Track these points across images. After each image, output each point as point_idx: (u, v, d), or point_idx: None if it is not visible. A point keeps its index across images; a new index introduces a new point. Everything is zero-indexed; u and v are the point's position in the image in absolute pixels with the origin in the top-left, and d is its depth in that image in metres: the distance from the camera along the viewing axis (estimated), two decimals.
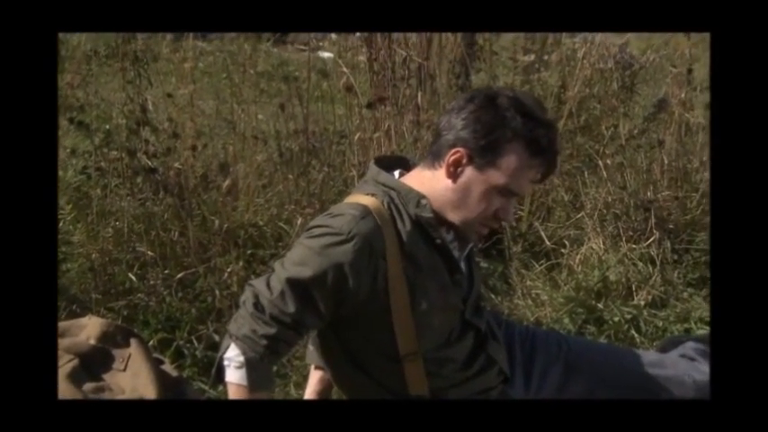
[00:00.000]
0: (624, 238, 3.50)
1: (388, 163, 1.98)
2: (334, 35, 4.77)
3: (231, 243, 3.13)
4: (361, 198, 1.86)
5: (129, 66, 3.39)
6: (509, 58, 4.40)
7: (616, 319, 3.14)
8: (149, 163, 3.35)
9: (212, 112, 4.01)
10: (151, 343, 2.67)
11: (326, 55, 4.93)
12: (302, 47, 6.46)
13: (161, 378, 1.94)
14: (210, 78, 5.54)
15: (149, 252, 3.06)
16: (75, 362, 1.88)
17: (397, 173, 1.95)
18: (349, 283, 1.77)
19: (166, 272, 3.04)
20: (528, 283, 3.35)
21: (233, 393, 1.78)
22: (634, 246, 3.46)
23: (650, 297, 3.28)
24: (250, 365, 1.75)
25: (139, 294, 2.94)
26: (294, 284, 1.76)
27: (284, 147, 3.66)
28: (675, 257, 3.52)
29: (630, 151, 3.99)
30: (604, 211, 3.62)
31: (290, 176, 3.51)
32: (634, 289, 3.32)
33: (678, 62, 4.03)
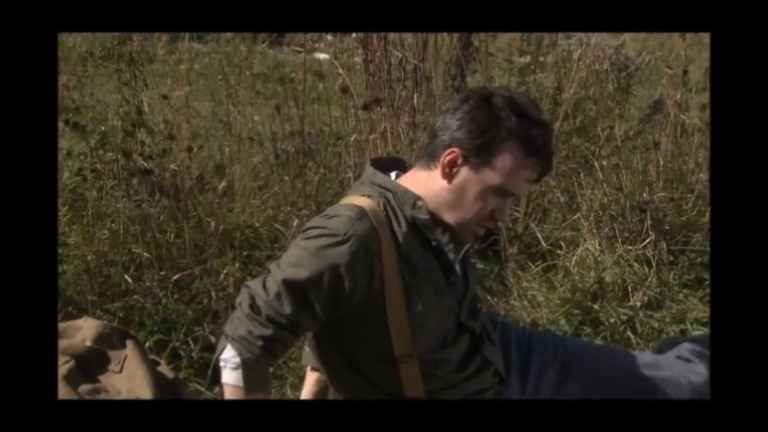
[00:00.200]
0: (620, 240, 3.50)
1: (385, 164, 1.97)
2: (329, 36, 4.77)
3: (227, 244, 3.13)
4: (357, 199, 1.86)
5: (124, 67, 3.38)
6: (505, 60, 4.41)
7: (612, 320, 3.14)
8: (145, 164, 3.34)
9: (208, 114, 4.01)
10: (147, 344, 2.66)
11: (322, 56, 4.93)
12: (298, 48, 6.45)
13: (157, 379, 1.94)
14: (206, 80, 5.54)
15: (145, 254, 3.06)
16: (72, 363, 1.88)
17: (393, 174, 1.95)
18: (345, 285, 1.77)
19: (162, 273, 3.03)
20: (524, 284, 3.35)
21: (229, 394, 1.78)
22: (630, 247, 3.46)
23: (646, 298, 3.28)
24: (246, 366, 1.75)
25: (135, 296, 2.93)
26: (290, 286, 1.76)
27: (280, 148, 3.66)
28: (671, 258, 3.52)
29: (626, 152, 3.99)
30: (600, 212, 3.62)
31: (286, 178, 3.51)
32: (630, 290, 3.32)
33: (673, 63, 4.03)
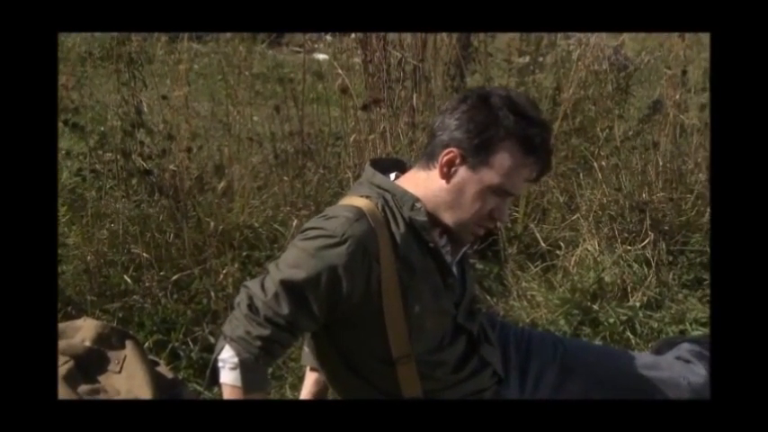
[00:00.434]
0: (619, 240, 3.50)
1: (385, 165, 1.97)
2: (329, 37, 4.77)
3: (226, 245, 3.12)
4: (356, 200, 1.85)
5: (123, 68, 3.38)
6: (504, 60, 4.40)
7: (611, 320, 3.14)
8: (144, 165, 3.34)
9: (207, 114, 4.01)
10: (146, 345, 2.66)
11: (322, 57, 4.93)
12: (297, 48, 6.45)
13: (156, 380, 1.94)
14: (205, 80, 5.54)
15: (144, 254, 3.05)
16: (71, 364, 1.88)
17: (392, 175, 1.95)
18: (343, 286, 1.77)
19: (162, 274, 3.03)
20: (523, 284, 3.35)
21: (227, 394, 1.78)
22: (629, 247, 3.46)
23: (645, 298, 3.28)
24: (244, 367, 1.75)
25: (135, 296, 2.93)
26: (288, 286, 1.76)
27: (279, 148, 3.66)
28: (670, 259, 3.52)
29: (625, 153, 3.99)
30: (599, 212, 3.62)
31: (286, 178, 3.51)
32: (629, 290, 3.32)
33: (673, 64, 4.03)
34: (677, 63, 4.00)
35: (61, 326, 1.99)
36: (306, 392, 2.18)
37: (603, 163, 3.86)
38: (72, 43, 5.47)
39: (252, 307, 1.76)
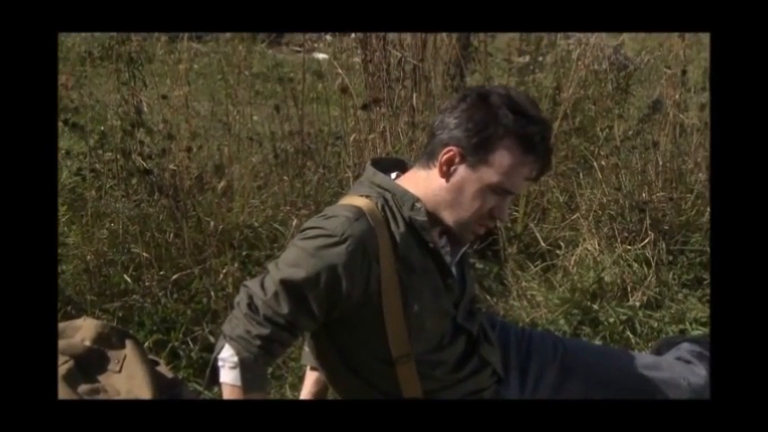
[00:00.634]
0: (619, 240, 3.50)
1: (386, 165, 1.97)
2: (329, 36, 4.77)
3: (226, 244, 3.12)
4: (356, 200, 1.85)
5: (123, 67, 3.38)
6: (504, 60, 4.41)
7: (611, 320, 3.14)
8: (144, 164, 3.34)
9: (207, 114, 4.00)
10: (146, 344, 2.66)
11: (321, 56, 4.93)
12: (297, 48, 6.45)
13: (156, 379, 1.94)
14: (205, 80, 5.54)
15: (144, 253, 3.05)
16: (71, 363, 1.88)
17: (393, 175, 1.95)
18: (342, 285, 1.77)
19: (161, 273, 3.03)
20: (523, 284, 3.35)
21: (227, 394, 1.78)
22: (629, 247, 3.46)
23: (645, 298, 3.29)
24: (244, 366, 1.75)
25: (134, 296, 2.93)
26: (288, 286, 1.76)
27: (279, 148, 3.66)
28: (670, 258, 3.52)
29: (625, 152, 3.99)
30: (599, 212, 3.62)
31: (286, 178, 3.51)
32: (629, 290, 3.32)
33: (672, 63, 4.03)
34: (677, 63, 4.00)
35: (61, 325, 1.99)
36: (306, 392, 2.19)
37: (603, 162, 3.85)
38: (72, 43, 5.48)
39: (251, 306, 1.76)
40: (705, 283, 3.42)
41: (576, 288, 3.28)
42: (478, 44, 4.19)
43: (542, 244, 3.51)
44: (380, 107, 3.63)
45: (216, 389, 1.91)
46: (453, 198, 1.85)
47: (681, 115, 3.95)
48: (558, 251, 3.50)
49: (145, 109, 3.49)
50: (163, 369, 2.08)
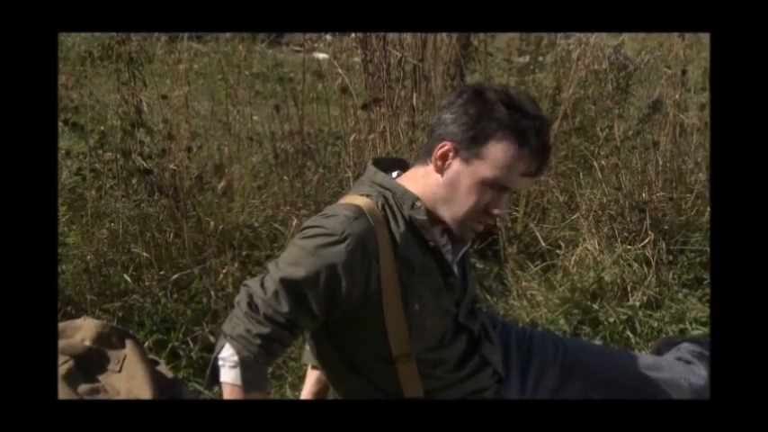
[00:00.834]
0: (619, 239, 3.50)
1: (387, 164, 1.97)
2: (329, 36, 4.76)
3: (226, 244, 3.12)
4: (356, 199, 1.86)
5: (123, 67, 3.38)
6: (504, 60, 4.41)
7: (611, 319, 3.14)
8: (144, 164, 3.34)
9: (207, 114, 4.00)
10: (146, 344, 2.66)
11: (321, 56, 4.93)
12: (297, 48, 6.44)
13: (156, 379, 1.94)
14: (205, 80, 5.54)
15: (144, 253, 3.05)
16: (71, 363, 1.88)
17: (395, 174, 1.95)
18: (342, 284, 1.77)
19: (161, 273, 3.03)
20: (523, 284, 3.35)
21: (227, 393, 1.78)
22: (629, 247, 3.46)
23: (645, 298, 3.28)
24: (244, 365, 1.75)
25: (134, 296, 2.93)
26: (288, 284, 1.76)
27: (279, 148, 3.66)
28: (670, 258, 3.52)
29: (625, 152, 3.99)
30: (599, 212, 3.62)
31: (286, 178, 3.51)
32: (629, 290, 3.32)
33: (672, 63, 4.03)
34: (677, 62, 4.00)
35: (61, 325, 1.99)
36: (307, 391, 2.19)
37: (603, 162, 3.85)
38: (72, 43, 5.49)
39: (252, 305, 1.76)
40: (705, 282, 3.42)
41: (576, 288, 3.28)
42: (478, 44, 4.19)
43: (542, 244, 3.50)
44: (380, 107, 3.62)
45: (216, 389, 1.91)
46: (449, 193, 1.84)
47: (681, 115, 3.95)
48: (558, 251, 3.50)
49: (145, 109, 3.49)
50: (163, 369, 2.08)
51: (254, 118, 3.96)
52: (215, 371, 1.80)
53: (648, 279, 3.35)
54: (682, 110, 3.97)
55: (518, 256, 3.47)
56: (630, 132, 4.09)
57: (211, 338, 2.75)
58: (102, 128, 3.66)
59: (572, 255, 3.45)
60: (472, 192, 1.83)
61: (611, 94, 4.21)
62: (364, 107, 3.61)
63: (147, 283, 2.98)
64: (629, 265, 3.40)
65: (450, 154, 1.83)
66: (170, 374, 2.08)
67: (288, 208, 3.37)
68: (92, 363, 1.92)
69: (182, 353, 2.76)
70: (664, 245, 3.51)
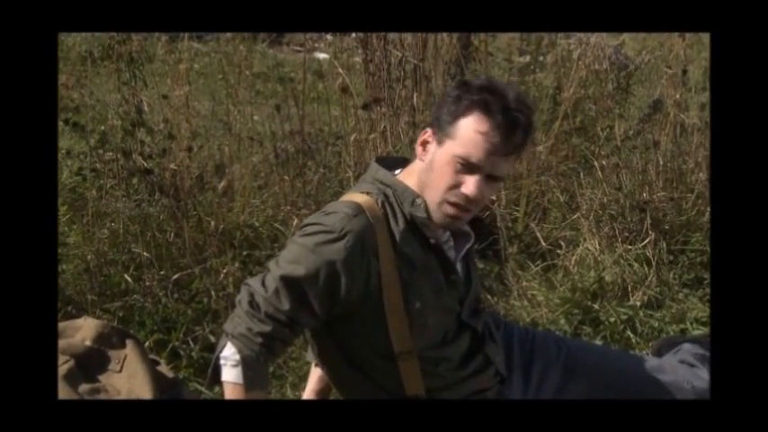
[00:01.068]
0: (620, 239, 3.50)
1: (390, 162, 1.98)
2: (329, 36, 4.77)
3: (227, 244, 3.12)
4: (356, 196, 1.86)
5: (124, 67, 3.38)
6: (504, 60, 4.41)
7: (612, 319, 3.14)
8: (145, 164, 3.34)
9: (208, 114, 4.01)
10: (147, 344, 2.66)
11: (322, 56, 4.93)
12: (298, 48, 6.45)
13: (157, 379, 1.94)
14: (206, 79, 5.53)
15: (145, 253, 3.05)
16: (71, 363, 1.88)
17: (397, 171, 1.96)
18: (342, 281, 1.77)
19: (162, 273, 3.03)
20: (524, 283, 3.35)
21: (229, 392, 1.78)
22: (630, 246, 3.46)
23: (646, 298, 3.28)
24: (246, 364, 1.75)
25: (135, 295, 2.93)
26: (288, 282, 1.76)
27: (280, 148, 3.66)
28: (671, 258, 3.52)
29: (626, 152, 3.99)
30: (600, 211, 3.62)
31: (286, 177, 3.51)
32: (630, 290, 3.32)
33: (673, 63, 4.03)
34: (677, 62, 3.99)
35: (61, 325, 1.99)
36: (310, 389, 2.19)
37: (604, 162, 3.85)
38: (72, 43, 5.49)
39: (253, 303, 1.77)
40: (706, 282, 3.41)
41: (577, 288, 3.28)
42: (479, 44, 4.19)
43: (543, 244, 3.50)
44: (381, 107, 3.62)
45: (217, 388, 1.91)
46: (428, 177, 1.85)
47: (681, 115, 3.95)
48: (558, 251, 3.50)
49: (145, 108, 3.48)
50: (163, 369, 2.08)
51: (255, 118, 3.96)
52: (216, 370, 1.80)
53: (649, 279, 3.35)
54: (682, 110, 3.97)
55: (519, 255, 3.46)
56: (631, 132, 4.09)
57: (212, 338, 2.75)
58: (103, 128, 3.67)
59: (572, 255, 3.45)
60: (444, 172, 1.82)
61: (612, 94, 4.22)
62: (365, 107, 3.61)
63: (147, 283, 2.98)
64: (630, 264, 3.40)
65: (430, 139, 1.86)
66: (171, 374, 2.08)
67: (288, 208, 3.37)
68: (92, 363, 1.92)
69: (182, 353, 2.76)
70: (664, 245, 3.50)
